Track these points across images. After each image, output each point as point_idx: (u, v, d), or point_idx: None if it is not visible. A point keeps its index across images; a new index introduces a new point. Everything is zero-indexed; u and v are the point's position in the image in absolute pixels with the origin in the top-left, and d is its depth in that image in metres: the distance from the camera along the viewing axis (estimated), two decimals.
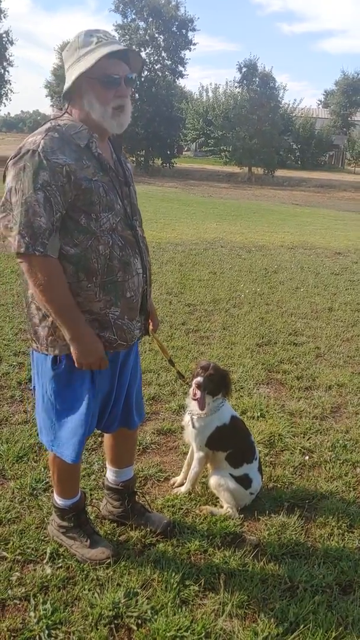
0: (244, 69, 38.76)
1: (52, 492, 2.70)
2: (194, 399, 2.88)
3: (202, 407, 2.88)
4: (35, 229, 2.01)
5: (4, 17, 38.97)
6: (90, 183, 2.11)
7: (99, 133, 2.21)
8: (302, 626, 2.27)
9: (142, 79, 38.04)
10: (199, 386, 2.86)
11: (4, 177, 2.11)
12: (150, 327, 2.73)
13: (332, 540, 2.81)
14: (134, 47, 37.17)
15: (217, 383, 2.91)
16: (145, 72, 38.85)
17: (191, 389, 2.91)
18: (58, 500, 2.62)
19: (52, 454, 2.48)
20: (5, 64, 40.21)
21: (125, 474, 2.84)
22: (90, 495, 3.03)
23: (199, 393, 2.86)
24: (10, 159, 2.08)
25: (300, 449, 3.68)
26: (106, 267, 2.19)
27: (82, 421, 2.33)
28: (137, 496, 2.92)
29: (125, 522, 2.83)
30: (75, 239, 2.14)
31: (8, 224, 2.04)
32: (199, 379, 2.87)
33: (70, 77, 2.15)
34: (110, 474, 2.86)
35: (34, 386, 2.48)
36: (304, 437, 3.85)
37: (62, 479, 2.56)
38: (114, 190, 2.22)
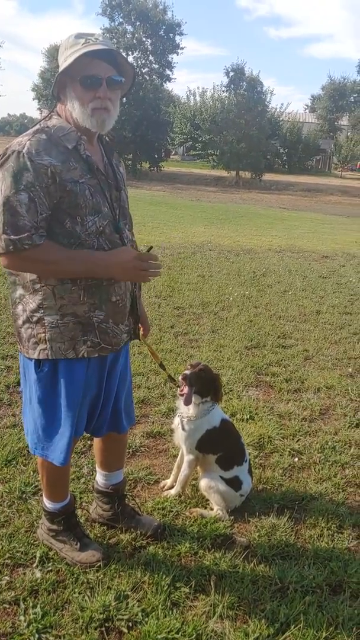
0: (231, 73, 39.14)
1: (42, 495, 2.69)
2: (181, 394, 2.88)
3: (187, 402, 2.88)
4: (19, 228, 2.00)
5: None
6: (76, 185, 2.10)
7: (86, 134, 2.19)
8: (292, 627, 2.28)
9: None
10: (184, 378, 2.86)
11: None
12: (141, 331, 2.73)
13: (322, 541, 2.82)
14: (121, 50, 37.27)
15: (205, 383, 2.91)
16: None
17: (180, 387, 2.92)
18: (47, 503, 2.60)
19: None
20: None
21: (115, 477, 2.83)
22: (80, 498, 3.02)
23: (186, 388, 2.86)
24: None
25: (289, 451, 3.69)
26: None
27: (68, 425, 2.31)
28: (127, 499, 2.91)
29: (115, 525, 2.82)
30: (60, 243, 2.12)
31: None
32: (186, 372, 2.88)
33: (56, 78, 2.15)
34: (100, 477, 2.85)
35: (22, 389, 2.47)
36: (293, 439, 3.87)
37: (51, 482, 2.54)
38: (101, 193, 2.21)
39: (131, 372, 2.77)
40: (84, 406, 2.39)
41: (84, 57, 2.05)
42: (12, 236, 2.00)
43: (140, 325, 2.67)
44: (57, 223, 2.10)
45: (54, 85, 2.18)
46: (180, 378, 2.89)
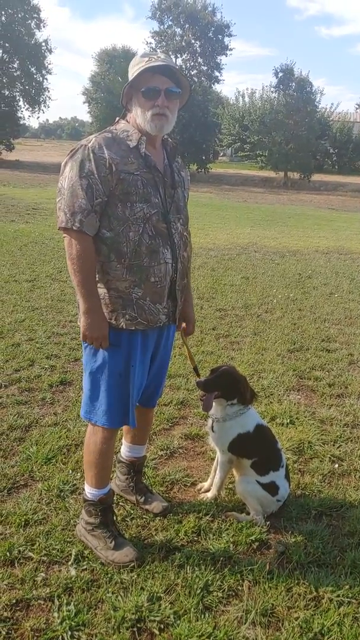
0: (280, 74, 38.50)
1: (83, 489, 2.77)
2: (201, 399, 2.92)
3: (205, 408, 2.90)
4: (75, 208, 2.35)
5: (44, 27, 39.82)
6: (130, 176, 2.42)
7: (148, 138, 2.50)
8: (326, 637, 2.24)
9: None
10: (198, 385, 2.91)
11: (63, 166, 2.44)
12: (184, 326, 2.90)
13: None
14: (170, 53, 37.49)
15: (227, 387, 2.90)
16: None
17: None
18: (88, 491, 2.70)
19: (89, 434, 2.68)
20: (44, 71, 40.99)
21: (136, 450, 3.06)
22: (117, 498, 3.05)
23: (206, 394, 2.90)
24: (69, 153, 2.44)
25: (329, 457, 3.62)
26: (134, 252, 2.45)
27: (113, 391, 2.55)
28: (143, 477, 3.14)
29: (128, 497, 3.05)
30: (111, 224, 2.43)
31: (60, 205, 2.40)
32: (199, 379, 2.91)
33: (122, 90, 2.51)
34: (123, 449, 3.09)
35: (84, 360, 2.68)
36: (334, 445, 3.79)
37: (96, 462, 2.65)
38: (154, 187, 2.49)
39: (168, 364, 2.93)
40: (131, 376, 2.57)
41: (146, 72, 2.39)
42: (67, 215, 2.37)
43: (184, 322, 2.88)
44: (112, 206, 2.43)
45: (122, 96, 2.52)
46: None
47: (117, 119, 2.59)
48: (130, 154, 2.44)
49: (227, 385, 2.90)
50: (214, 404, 2.93)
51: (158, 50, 2.88)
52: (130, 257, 2.45)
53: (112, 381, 2.55)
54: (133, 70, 2.44)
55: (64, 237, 2.43)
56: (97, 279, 2.49)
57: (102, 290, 2.49)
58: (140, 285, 2.48)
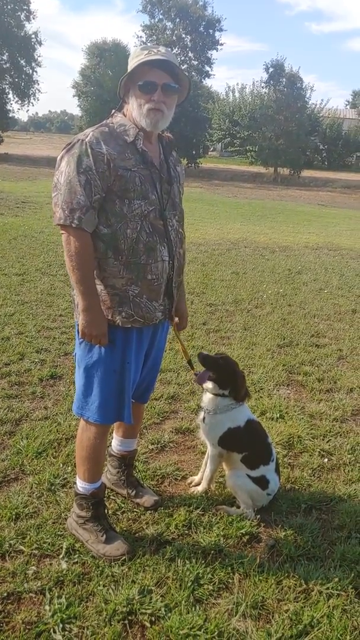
0: (271, 69, 38.42)
1: (74, 483, 2.77)
2: (195, 374, 2.95)
3: (199, 381, 2.93)
4: (74, 205, 2.30)
5: (33, 19, 39.41)
6: (127, 172, 2.38)
7: (145, 133, 2.47)
8: (316, 629, 2.26)
9: None
10: (199, 357, 2.91)
11: (59, 161, 2.38)
12: (176, 320, 2.88)
13: (349, 544, 2.78)
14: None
15: (224, 373, 2.92)
16: None
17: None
18: (79, 484, 2.70)
19: (81, 429, 2.67)
20: (33, 64, 40.57)
21: (127, 444, 3.07)
22: (109, 491, 3.05)
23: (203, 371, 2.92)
24: (64, 147, 2.39)
25: (319, 451, 3.65)
26: (132, 249, 2.42)
27: (106, 386, 2.53)
28: (134, 470, 3.16)
29: (119, 491, 3.06)
30: (108, 220, 2.39)
31: (56, 200, 2.35)
32: (202, 352, 2.95)
33: (120, 82, 2.46)
34: (114, 442, 3.09)
35: (75, 354, 2.67)
36: (323, 440, 3.82)
37: (88, 457, 2.65)
38: (151, 183, 2.46)
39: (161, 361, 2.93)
40: (126, 373, 2.56)
41: (143, 65, 2.35)
42: (66, 212, 2.31)
43: (177, 317, 2.86)
44: (110, 202, 2.39)
45: (120, 88, 2.47)
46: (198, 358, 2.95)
47: (113, 111, 2.53)
48: (127, 150, 2.40)
49: (225, 372, 2.92)
50: (207, 393, 2.97)
51: (160, 46, 2.73)
52: (128, 255, 2.42)
53: (107, 378, 2.53)
54: (132, 63, 2.40)
55: (62, 233, 2.37)
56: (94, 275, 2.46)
57: (98, 287, 2.46)
58: (137, 282, 2.45)
